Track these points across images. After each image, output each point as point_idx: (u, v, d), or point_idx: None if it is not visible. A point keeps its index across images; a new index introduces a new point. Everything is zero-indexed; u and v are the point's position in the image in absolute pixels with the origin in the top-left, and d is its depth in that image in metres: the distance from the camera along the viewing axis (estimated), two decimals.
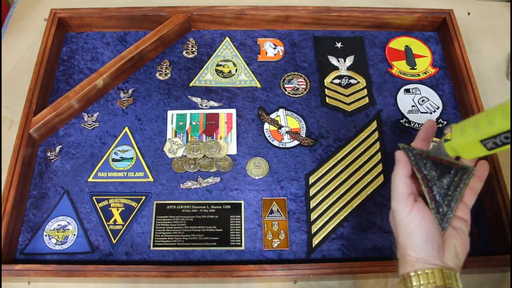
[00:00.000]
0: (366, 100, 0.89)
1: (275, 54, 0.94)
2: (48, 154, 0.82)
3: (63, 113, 0.83)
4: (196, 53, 0.94)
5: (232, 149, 0.84)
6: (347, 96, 0.90)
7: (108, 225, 0.76)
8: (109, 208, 0.78)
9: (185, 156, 0.83)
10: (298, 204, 0.79)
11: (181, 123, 0.86)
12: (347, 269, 0.69)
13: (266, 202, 0.79)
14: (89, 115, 0.86)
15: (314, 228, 0.76)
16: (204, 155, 0.83)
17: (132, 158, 0.82)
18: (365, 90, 0.91)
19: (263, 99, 0.89)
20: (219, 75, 0.92)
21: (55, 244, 0.75)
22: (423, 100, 0.90)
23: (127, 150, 0.83)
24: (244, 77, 0.92)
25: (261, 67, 0.93)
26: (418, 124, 0.87)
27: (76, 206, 0.78)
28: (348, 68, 0.93)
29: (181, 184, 0.80)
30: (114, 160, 0.82)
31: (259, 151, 0.84)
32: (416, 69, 0.94)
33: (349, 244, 0.76)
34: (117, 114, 0.87)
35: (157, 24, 0.92)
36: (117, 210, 0.78)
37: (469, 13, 1.04)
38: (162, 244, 0.75)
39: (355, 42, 0.97)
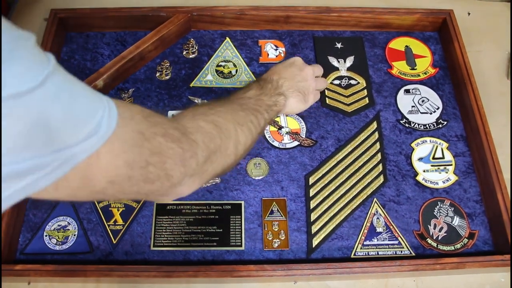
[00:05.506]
0: (366, 100, 0.89)
1: (276, 56, 0.94)
2: None
3: None
4: (196, 53, 0.94)
5: None
6: (347, 96, 0.90)
7: (108, 225, 0.76)
8: (109, 208, 0.78)
9: None
10: (298, 205, 0.79)
11: None
12: (347, 269, 0.69)
13: (266, 203, 0.79)
14: None
15: (314, 229, 0.77)
16: None
17: None
18: (365, 90, 0.91)
19: None
20: (219, 76, 0.92)
21: (55, 244, 0.75)
22: (423, 101, 0.90)
23: None
24: (245, 78, 0.92)
25: (261, 68, 0.93)
26: (418, 124, 0.87)
27: (76, 206, 0.78)
28: (348, 69, 0.93)
29: None
30: None
31: (259, 151, 0.84)
32: (416, 69, 0.94)
33: (349, 244, 0.76)
34: None
35: (157, 24, 0.92)
36: (117, 210, 0.78)
37: (469, 13, 1.04)
38: (162, 244, 0.75)
39: (355, 42, 0.97)
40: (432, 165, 0.83)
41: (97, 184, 0.40)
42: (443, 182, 0.81)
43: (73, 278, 0.69)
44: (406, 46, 0.97)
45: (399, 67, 0.94)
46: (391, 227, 0.77)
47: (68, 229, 0.76)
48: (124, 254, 0.74)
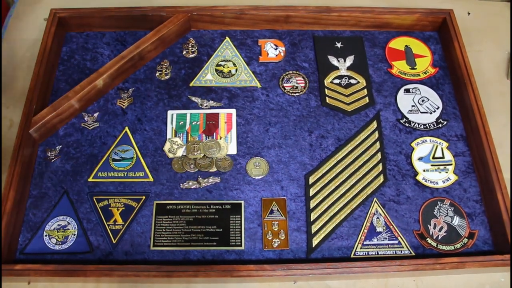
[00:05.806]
0: (366, 100, 0.89)
1: (276, 55, 0.94)
2: (48, 154, 0.82)
3: (63, 113, 0.83)
4: (196, 53, 0.94)
5: (232, 149, 0.84)
6: (347, 96, 0.90)
7: (108, 225, 0.76)
8: (109, 208, 0.78)
9: (185, 156, 0.83)
10: (298, 204, 0.79)
11: (181, 123, 0.86)
12: (347, 269, 0.69)
13: (266, 202, 0.79)
14: (89, 115, 0.86)
15: (314, 228, 0.77)
16: (204, 155, 0.83)
17: (132, 158, 0.82)
18: (365, 90, 0.91)
19: (263, 99, 0.89)
20: (219, 75, 0.92)
21: (55, 244, 0.75)
22: (423, 100, 0.90)
23: (127, 150, 0.83)
24: (244, 77, 0.92)
25: (261, 67, 0.93)
26: (418, 124, 0.87)
27: (76, 206, 0.78)
28: (348, 68, 0.93)
29: (181, 184, 0.80)
30: (114, 160, 0.82)
31: (259, 151, 0.84)
32: (416, 69, 0.94)
33: (348, 244, 0.76)
34: (117, 114, 0.87)
35: (157, 24, 0.91)
36: (117, 210, 0.78)
37: (469, 13, 1.04)
38: (162, 244, 0.75)
39: (355, 42, 0.97)
40: (432, 165, 0.83)
41: None
42: (443, 182, 0.81)
43: (73, 278, 0.69)
44: (406, 45, 0.97)
45: (399, 66, 0.94)
46: (391, 226, 0.77)
47: (68, 229, 0.76)
48: (124, 254, 0.74)
